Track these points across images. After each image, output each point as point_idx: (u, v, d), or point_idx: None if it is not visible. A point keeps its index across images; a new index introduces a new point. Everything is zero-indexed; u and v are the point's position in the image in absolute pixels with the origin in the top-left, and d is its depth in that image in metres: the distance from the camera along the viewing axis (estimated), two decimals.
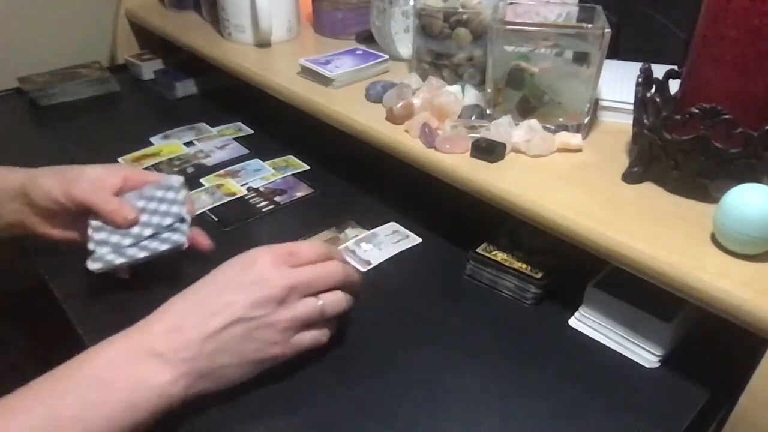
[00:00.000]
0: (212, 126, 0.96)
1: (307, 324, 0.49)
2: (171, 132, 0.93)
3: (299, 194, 0.78)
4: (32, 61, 1.08)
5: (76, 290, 0.60)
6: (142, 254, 0.57)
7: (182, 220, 0.59)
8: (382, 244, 0.68)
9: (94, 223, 0.58)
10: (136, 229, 0.58)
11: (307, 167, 0.85)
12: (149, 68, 1.13)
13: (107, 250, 0.57)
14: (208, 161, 0.86)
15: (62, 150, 0.86)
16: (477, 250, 0.63)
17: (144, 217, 0.59)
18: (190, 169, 0.83)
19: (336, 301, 0.50)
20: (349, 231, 0.71)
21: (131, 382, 0.42)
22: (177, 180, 0.61)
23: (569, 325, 0.58)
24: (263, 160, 0.86)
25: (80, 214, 0.59)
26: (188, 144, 0.90)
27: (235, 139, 0.92)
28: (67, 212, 0.59)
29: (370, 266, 0.65)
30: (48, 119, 0.99)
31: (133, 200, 0.59)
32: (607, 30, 0.58)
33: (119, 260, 0.57)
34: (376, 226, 0.71)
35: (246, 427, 0.48)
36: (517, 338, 0.56)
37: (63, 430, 0.40)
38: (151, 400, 0.43)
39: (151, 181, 0.61)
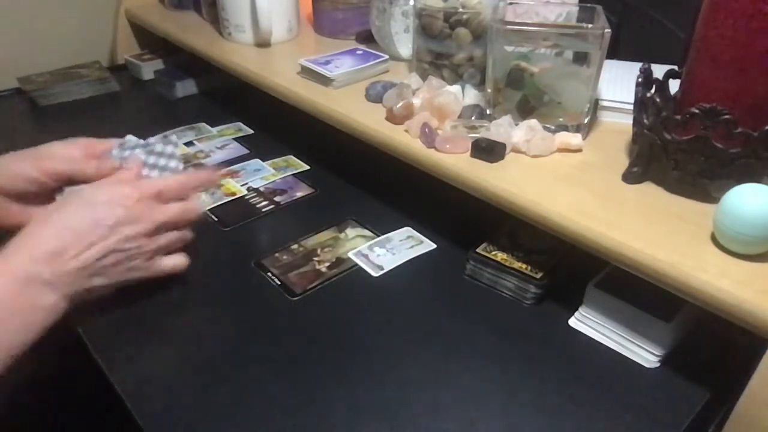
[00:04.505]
0: (212, 126, 0.96)
1: (167, 252, 0.58)
2: (171, 132, 0.93)
3: (299, 194, 0.79)
4: (32, 61, 1.08)
5: None
6: None
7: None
8: (378, 245, 0.68)
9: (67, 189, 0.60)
10: None
11: (307, 167, 0.85)
12: (149, 68, 1.13)
13: None
14: (208, 161, 0.86)
15: None
16: (477, 250, 0.63)
17: (144, 171, 0.62)
18: (190, 170, 0.83)
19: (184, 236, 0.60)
20: (349, 231, 0.71)
21: (25, 306, 0.49)
22: (176, 137, 0.65)
23: (569, 325, 0.58)
24: (263, 160, 0.86)
25: (52, 192, 0.60)
26: (188, 144, 0.90)
27: (235, 139, 0.92)
28: (41, 191, 0.59)
29: (370, 266, 0.65)
30: (48, 119, 0.99)
31: (139, 156, 0.62)
32: (607, 30, 0.58)
33: None
34: (376, 225, 0.71)
35: (247, 428, 0.48)
36: (517, 338, 0.56)
37: None
38: (41, 319, 0.50)
39: (108, 147, 0.63)
